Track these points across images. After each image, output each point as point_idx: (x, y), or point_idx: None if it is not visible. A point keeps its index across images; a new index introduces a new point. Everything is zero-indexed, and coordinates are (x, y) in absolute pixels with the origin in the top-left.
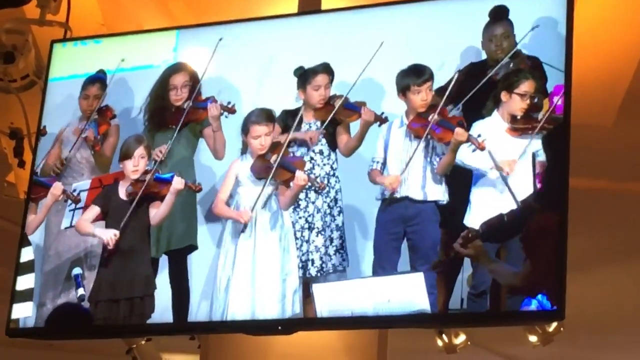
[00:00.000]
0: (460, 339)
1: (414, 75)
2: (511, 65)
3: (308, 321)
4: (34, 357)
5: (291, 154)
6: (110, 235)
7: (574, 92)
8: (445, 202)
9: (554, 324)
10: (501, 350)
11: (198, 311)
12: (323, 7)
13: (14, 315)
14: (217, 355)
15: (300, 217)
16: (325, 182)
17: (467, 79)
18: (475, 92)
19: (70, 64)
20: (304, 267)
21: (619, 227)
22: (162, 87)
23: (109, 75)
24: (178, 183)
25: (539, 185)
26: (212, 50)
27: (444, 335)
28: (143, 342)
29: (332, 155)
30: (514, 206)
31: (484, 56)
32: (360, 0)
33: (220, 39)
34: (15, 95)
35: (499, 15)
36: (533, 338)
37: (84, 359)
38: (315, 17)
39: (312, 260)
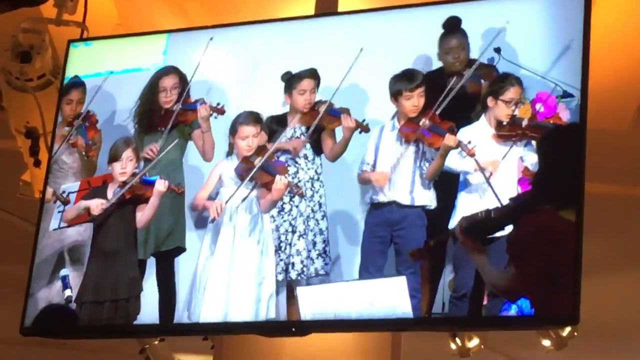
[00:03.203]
0: (474, 342)
1: (406, 80)
2: (474, 75)
3: (307, 324)
4: (48, 355)
5: (275, 159)
6: (97, 203)
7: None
8: (432, 208)
9: (568, 329)
10: (514, 354)
11: (184, 313)
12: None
13: None
14: (230, 355)
15: (284, 221)
16: (309, 185)
17: (428, 88)
18: (447, 101)
19: (85, 64)
20: (285, 270)
21: (633, 231)
22: (151, 90)
23: (99, 78)
24: (160, 185)
25: (520, 188)
26: (201, 52)
27: (457, 339)
28: (156, 342)
29: (317, 160)
30: (498, 205)
31: (435, 64)
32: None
33: (211, 39)
34: (32, 95)
35: (453, 26)
36: (546, 342)
37: (97, 359)
38: (304, 22)
39: (293, 264)
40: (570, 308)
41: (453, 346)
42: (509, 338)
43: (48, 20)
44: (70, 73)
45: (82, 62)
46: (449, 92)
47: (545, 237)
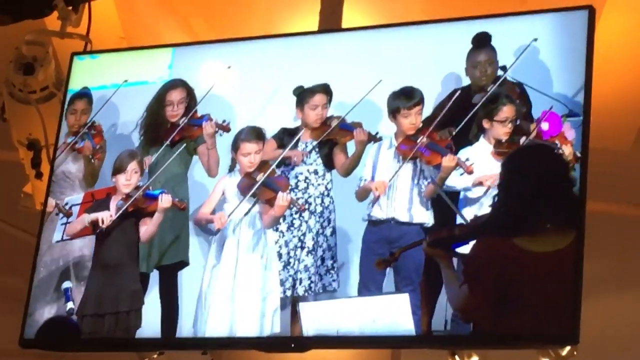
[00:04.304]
0: None
1: (404, 99)
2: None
3: (306, 340)
4: None
5: (277, 174)
6: (105, 216)
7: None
8: (430, 225)
9: (567, 348)
10: None
11: (185, 327)
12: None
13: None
14: None
15: (294, 236)
16: (319, 201)
17: (451, 106)
18: (460, 119)
19: (89, 76)
20: (292, 286)
21: (635, 250)
22: (158, 103)
23: (105, 91)
24: (164, 202)
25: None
26: (211, 67)
27: (456, 357)
28: (155, 356)
29: (327, 176)
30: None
31: (465, 82)
32: (380, 18)
33: (229, 67)
34: (34, 107)
35: (482, 42)
36: None
37: None
38: (316, 37)
39: (301, 280)
40: (569, 328)
41: None
42: (509, 357)
43: (52, 32)
44: (73, 86)
45: (86, 74)
46: (446, 110)
47: (496, 261)
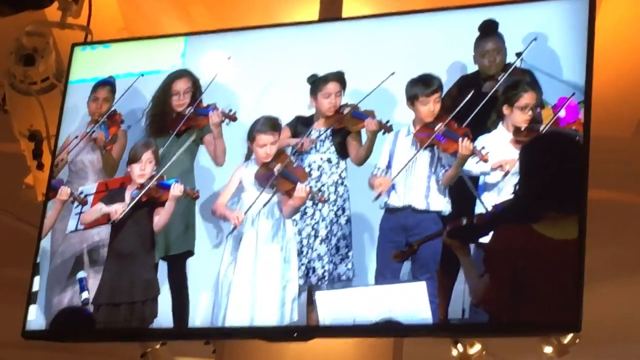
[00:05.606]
0: (476, 348)
1: (422, 85)
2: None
3: (309, 329)
4: (49, 358)
5: (294, 164)
6: (116, 208)
7: (593, 103)
8: (447, 213)
9: (570, 336)
10: None
11: (199, 316)
12: (344, 15)
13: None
14: None
15: (307, 225)
16: (333, 189)
17: (460, 93)
18: (474, 108)
19: (90, 67)
20: (306, 274)
21: (638, 238)
22: (164, 93)
23: (117, 80)
24: (176, 190)
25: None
26: (220, 57)
27: (459, 345)
28: (158, 347)
29: (342, 164)
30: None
31: (470, 70)
32: (381, 8)
33: (229, 58)
34: (35, 98)
35: (489, 29)
36: (548, 349)
37: None
38: (332, 24)
39: (314, 268)
40: (572, 316)
41: (454, 352)
42: (511, 344)
43: (52, 23)
44: (75, 76)
45: (89, 64)
46: (468, 98)
47: (515, 249)
